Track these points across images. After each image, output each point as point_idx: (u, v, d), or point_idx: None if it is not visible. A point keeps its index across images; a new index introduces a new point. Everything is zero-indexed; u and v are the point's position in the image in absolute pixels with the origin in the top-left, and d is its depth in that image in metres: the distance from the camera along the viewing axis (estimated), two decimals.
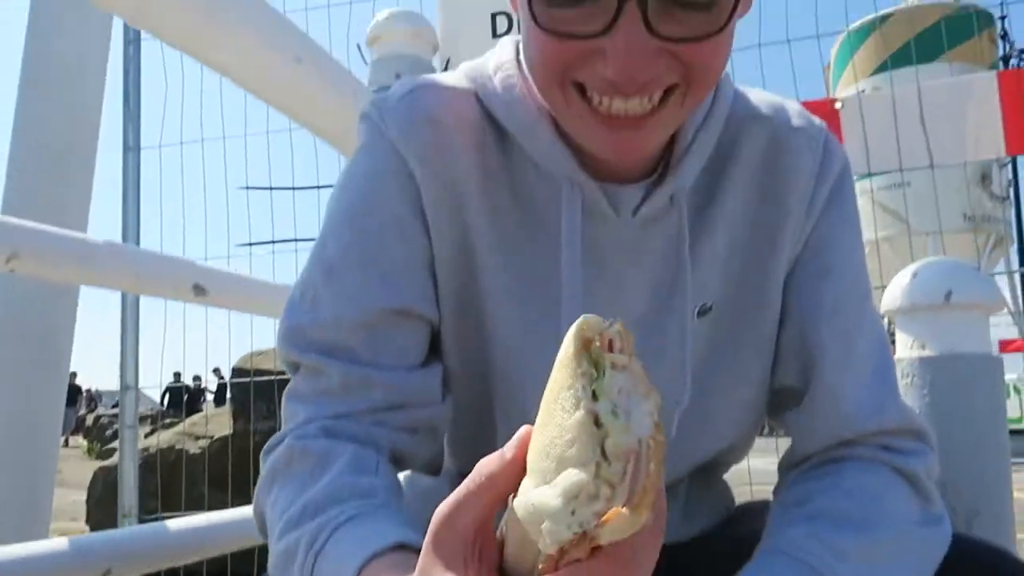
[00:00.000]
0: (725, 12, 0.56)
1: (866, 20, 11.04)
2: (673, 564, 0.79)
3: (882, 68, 13.30)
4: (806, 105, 1.99)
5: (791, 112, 0.75)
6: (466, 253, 0.71)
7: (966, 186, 14.16)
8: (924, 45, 11.39)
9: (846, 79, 14.30)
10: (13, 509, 1.46)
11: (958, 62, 12.30)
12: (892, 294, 1.12)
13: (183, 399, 10.86)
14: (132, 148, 2.13)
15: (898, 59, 11.59)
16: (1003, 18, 15.37)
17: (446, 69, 1.99)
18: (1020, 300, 15.25)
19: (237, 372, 4.18)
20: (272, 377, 3.83)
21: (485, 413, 0.75)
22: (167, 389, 10.17)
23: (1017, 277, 15.74)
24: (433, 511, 0.48)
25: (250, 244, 1.98)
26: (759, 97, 0.76)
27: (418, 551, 0.47)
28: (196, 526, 1.10)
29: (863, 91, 14.23)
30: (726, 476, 0.89)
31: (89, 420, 15.70)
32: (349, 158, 0.77)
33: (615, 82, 0.56)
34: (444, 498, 0.79)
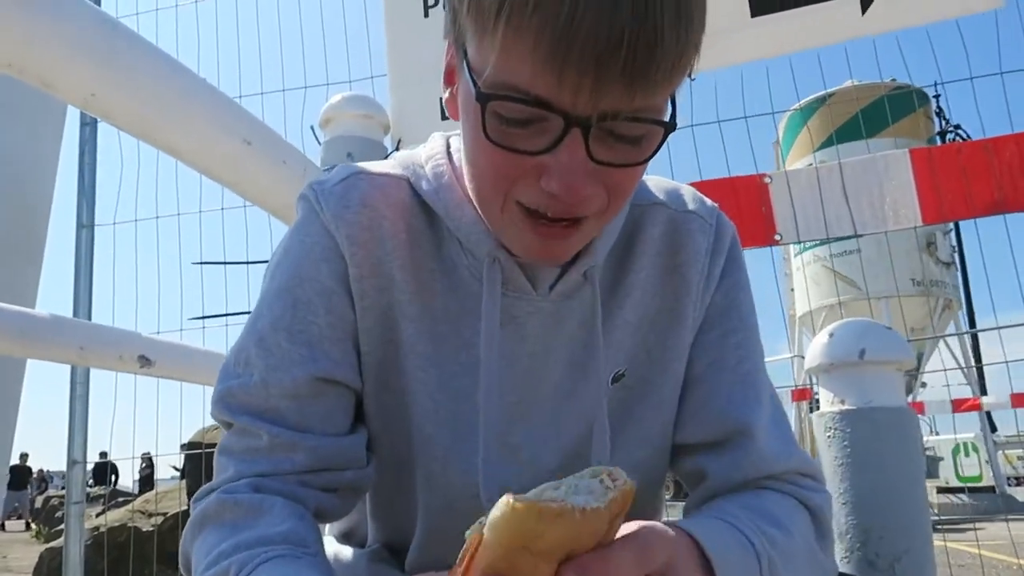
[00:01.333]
0: (651, 147, 0.62)
1: (811, 99, 11.60)
2: None
3: (827, 143, 13.92)
4: (737, 180, 2.10)
5: (686, 197, 0.83)
6: (390, 327, 0.75)
7: (914, 252, 14.69)
8: (865, 123, 11.96)
9: (794, 154, 14.91)
10: None
11: (897, 137, 12.94)
12: (813, 353, 1.19)
13: (107, 477, 10.71)
14: (86, 225, 2.16)
15: (841, 135, 12.14)
16: (937, 97, 16.23)
17: (397, 149, 2.07)
18: (971, 360, 15.63)
19: (191, 446, 4.11)
20: None
21: (406, 477, 0.79)
22: (95, 466, 10.01)
23: (968, 339, 16.17)
24: None
25: (203, 317, 2.00)
26: (657, 184, 0.84)
27: None
28: None
29: (810, 165, 14.89)
30: None
31: (39, 502, 15.02)
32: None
33: (555, 194, 0.61)
34: (362, 571, 0.82)
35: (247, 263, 2.01)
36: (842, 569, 0.89)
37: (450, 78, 0.70)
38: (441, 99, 2.13)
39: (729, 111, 2.07)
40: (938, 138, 17.06)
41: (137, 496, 5.58)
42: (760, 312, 0.86)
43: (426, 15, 2.17)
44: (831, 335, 1.18)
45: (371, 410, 0.77)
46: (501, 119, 0.60)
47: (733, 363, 0.80)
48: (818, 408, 1.24)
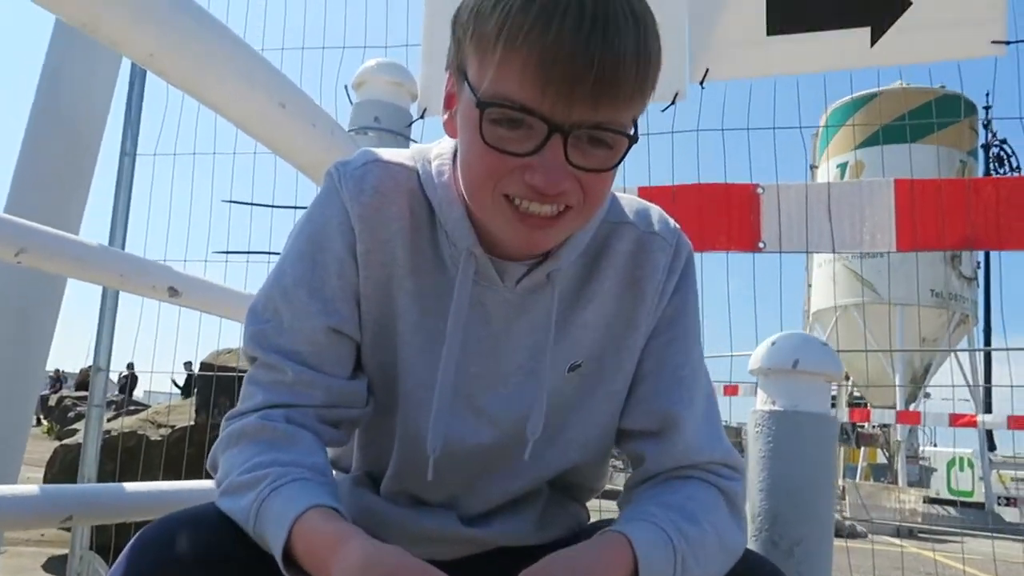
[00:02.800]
0: (617, 155, 0.76)
1: (849, 99, 11.43)
2: (524, 564, 0.99)
3: (869, 143, 13.74)
4: (732, 187, 2.23)
5: (653, 218, 0.97)
6: (388, 294, 0.91)
7: (937, 263, 14.60)
8: (902, 128, 11.78)
9: (836, 147, 14.72)
10: None
11: (939, 145, 12.74)
12: (755, 357, 1.34)
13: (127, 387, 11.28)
14: (128, 154, 2.32)
15: (885, 137, 11.98)
16: (987, 108, 15.91)
17: (422, 117, 2.20)
18: (980, 377, 15.61)
19: (204, 367, 4.32)
20: (235, 374, 4.01)
21: (388, 419, 0.95)
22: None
23: (980, 355, 16.13)
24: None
25: (226, 252, 2.17)
26: (629, 204, 0.98)
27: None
28: (151, 490, 1.29)
29: (845, 162, 14.56)
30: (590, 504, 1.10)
31: (52, 400, 15.57)
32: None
33: (539, 188, 0.74)
34: (345, 492, 1.01)
35: (272, 206, 2.17)
36: (750, 546, 1.06)
37: (449, 102, 0.84)
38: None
39: (737, 120, 2.18)
40: (981, 150, 16.74)
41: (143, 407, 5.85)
42: (785, 304, 1.01)
43: None
44: (773, 343, 1.33)
45: (368, 360, 0.93)
46: (495, 124, 0.74)
47: (673, 366, 0.94)
48: None
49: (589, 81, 0.69)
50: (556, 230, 0.80)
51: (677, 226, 0.99)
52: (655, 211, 0.98)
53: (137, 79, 2.38)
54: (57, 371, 21.95)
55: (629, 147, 0.77)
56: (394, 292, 0.90)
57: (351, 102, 2.15)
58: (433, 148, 0.94)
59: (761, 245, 2.03)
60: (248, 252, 2.18)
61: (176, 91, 1.42)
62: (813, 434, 1.28)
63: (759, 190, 2.06)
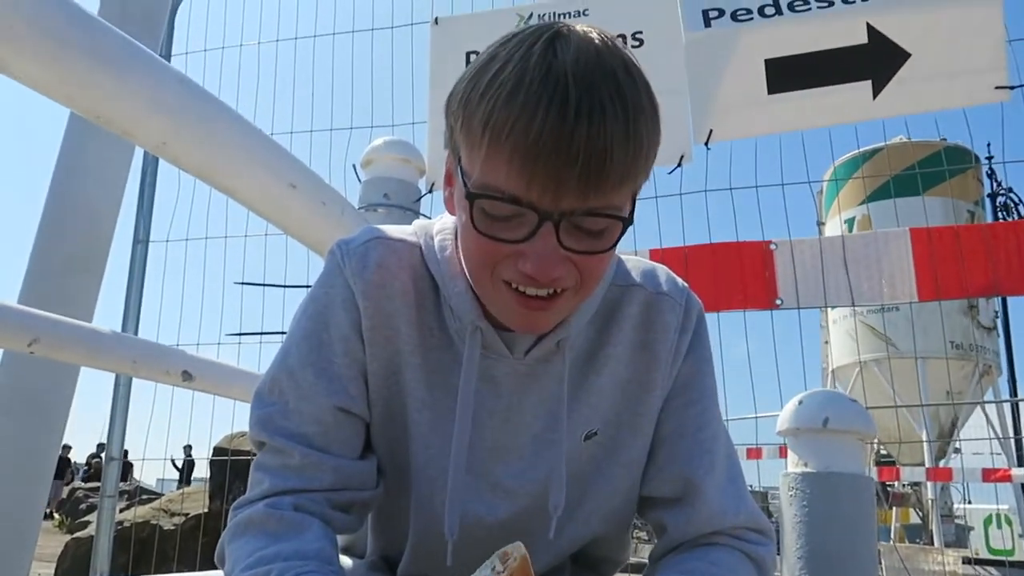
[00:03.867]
0: (612, 238, 0.75)
1: (863, 150, 11.54)
2: None
3: (873, 198, 13.82)
4: (744, 245, 2.22)
5: (661, 278, 0.95)
6: (395, 371, 0.89)
7: (955, 315, 14.45)
8: (910, 180, 11.87)
9: (842, 203, 14.81)
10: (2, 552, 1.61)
11: (945, 196, 12.79)
12: (783, 417, 1.30)
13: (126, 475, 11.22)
14: (142, 241, 2.35)
15: (889, 191, 12.03)
16: (990, 158, 16.03)
17: (431, 191, 2.23)
18: (1010, 429, 15.24)
19: (217, 451, 4.27)
20: (250, 458, 3.94)
21: (402, 500, 0.92)
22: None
23: (1008, 407, 15.78)
24: None
25: (240, 334, 2.17)
26: (635, 266, 0.96)
27: None
28: None
29: (853, 217, 14.63)
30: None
31: (64, 492, 15.40)
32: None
33: (531, 275, 0.74)
34: None
35: (284, 286, 2.17)
36: None
37: (449, 180, 0.84)
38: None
39: (745, 179, 2.19)
40: (987, 200, 16.81)
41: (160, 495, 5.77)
42: (799, 362, 0.99)
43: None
44: (800, 402, 1.29)
45: (377, 439, 0.91)
46: (486, 214, 0.74)
47: (692, 430, 0.92)
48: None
49: (575, 172, 0.69)
50: (555, 311, 0.79)
51: (686, 285, 0.98)
52: (662, 271, 0.97)
53: (149, 167, 2.43)
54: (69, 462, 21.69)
55: (625, 228, 0.76)
56: (401, 369, 0.89)
57: (359, 180, 2.19)
58: (435, 223, 0.94)
59: (778, 302, 2.00)
60: (261, 333, 2.18)
61: (187, 177, 1.44)
62: (850, 496, 1.22)
63: (772, 246, 2.05)
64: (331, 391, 0.86)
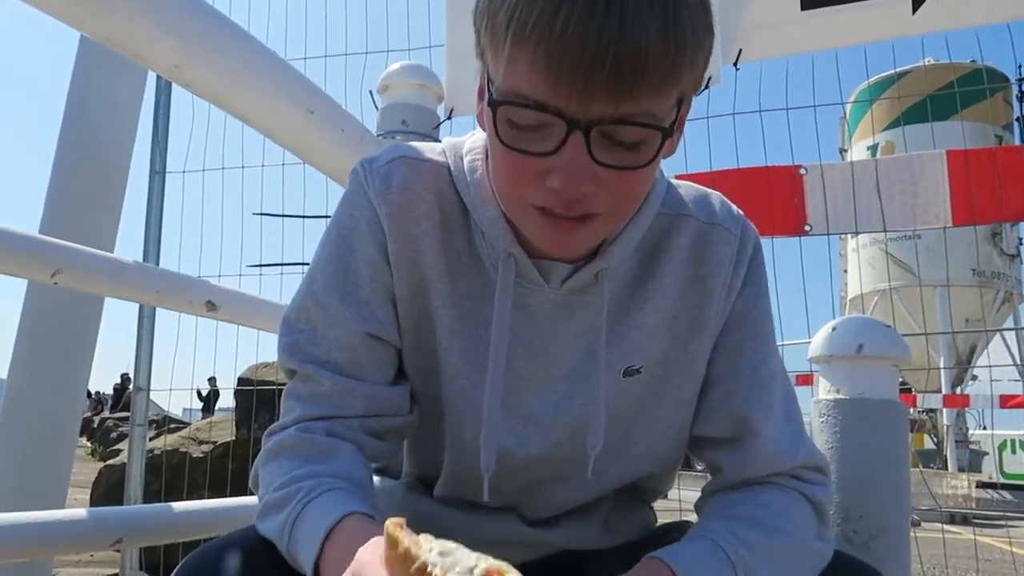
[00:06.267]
0: (651, 152, 0.69)
1: (883, 76, 11.18)
2: (591, 568, 0.95)
3: (895, 124, 13.46)
4: (772, 170, 2.15)
5: (714, 206, 0.89)
6: (422, 296, 0.86)
7: (976, 242, 14.25)
8: (938, 103, 11.54)
9: (861, 131, 14.48)
10: (37, 481, 1.65)
11: (972, 121, 12.44)
12: (815, 344, 1.28)
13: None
14: (159, 172, 2.32)
15: (912, 116, 11.72)
16: (1021, 80, 15.50)
17: (450, 118, 2.17)
18: None
19: (242, 382, 4.33)
20: (275, 387, 4.01)
21: (436, 426, 0.90)
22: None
23: None
24: (389, 509, 0.64)
25: (260, 265, 2.16)
26: (687, 192, 0.90)
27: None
28: (198, 508, 1.26)
29: (877, 143, 14.30)
30: (658, 504, 1.05)
31: (95, 422, 15.87)
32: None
33: (558, 191, 0.68)
34: (398, 498, 0.96)
35: (303, 216, 2.15)
36: None
37: (481, 94, 0.79)
38: None
39: (777, 100, 2.11)
40: (1016, 123, 16.32)
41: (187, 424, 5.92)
42: (810, 292, 0.93)
43: None
44: (833, 329, 1.26)
45: (408, 366, 0.89)
46: (511, 124, 0.69)
47: (749, 369, 0.88)
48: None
49: (604, 73, 0.62)
50: (588, 233, 0.74)
51: (741, 213, 0.92)
52: (716, 198, 0.91)
53: (163, 96, 2.39)
54: (97, 393, 22.32)
55: (664, 141, 0.69)
56: (429, 294, 0.85)
57: (376, 107, 2.13)
58: (466, 141, 0.88)
59: (808, 228, 1.95)
60: (282, 264, 2.17)
61: (202, 105, 1.40)
62: (883, 422, 1.21)
63: (802, 171, 1.99)
64: (359, 317, 0.83)
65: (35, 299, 1.75)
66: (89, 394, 18.65)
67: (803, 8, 1.99)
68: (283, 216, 2.13)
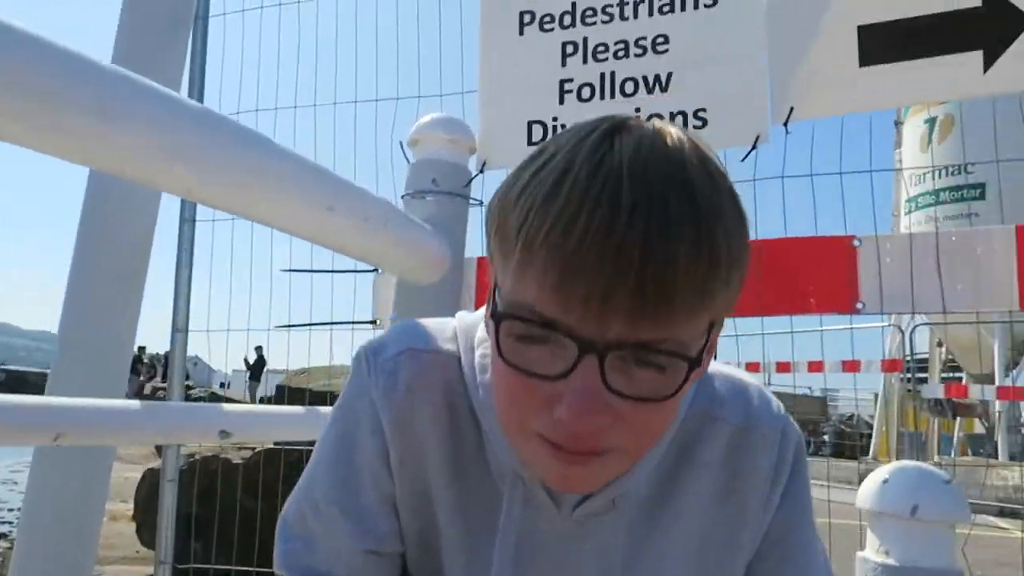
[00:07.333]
0: (676, 382, 0.59)
1: None
2: None
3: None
4: (824, 241, 2.01)
5: (753, 402, 0.79)
6: (426, 505, 0.79)
7: None
8: None
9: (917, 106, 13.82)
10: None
11: None
12: (863, 494, 1.17)
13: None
14: (188, 220, 2.28)
15: None
16: None
17: (482, 171, 2.08)
18: None
19: (278, 390, 4.37)
20: (308, 393, 4.05)
21: None
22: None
23: None
24: None
25: (288, 327, 2.12)
26: (723, 385, 0.80)
27: None
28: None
29: (936, 116, 13.66)
30: None
31: (147, 390, 16.23)
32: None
33: (564, 422, 0.59)
34: None
35: (332, 272, 2.10)
36: None
37: (488, 298, 0.70)
38: (528, 122, 2.12)
39: (830, 161, 1.97)
40: None
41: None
42: None
43: (521, 33, 2.13)
44: (885, 481, 1.15)
45: (412, 568, 0.83)
46: (516, 340, 0.60)
47: None
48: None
49: (626, 291, 0.54)
50: (599, 472, 0.65)
51: (782, 410, 0.81)
52: (755, 390, 0.81)
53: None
54: (152, 356, 22.65)
55: (691, 371, 0.59)
56: (433, 504, 0.78)
57: (407, 160, 2.06)
58: (479, 327, 0.79)
59: (859, 306, 1.83)
60: (310, 325, 2.13)
61: None
62: None
63: (855, 243, 1.86)
64: (359, 533, 0.77)
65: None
66: (141, 360, 19.06)
67: (861, 64, 1.84)
68: (311, 272, 2.08)
